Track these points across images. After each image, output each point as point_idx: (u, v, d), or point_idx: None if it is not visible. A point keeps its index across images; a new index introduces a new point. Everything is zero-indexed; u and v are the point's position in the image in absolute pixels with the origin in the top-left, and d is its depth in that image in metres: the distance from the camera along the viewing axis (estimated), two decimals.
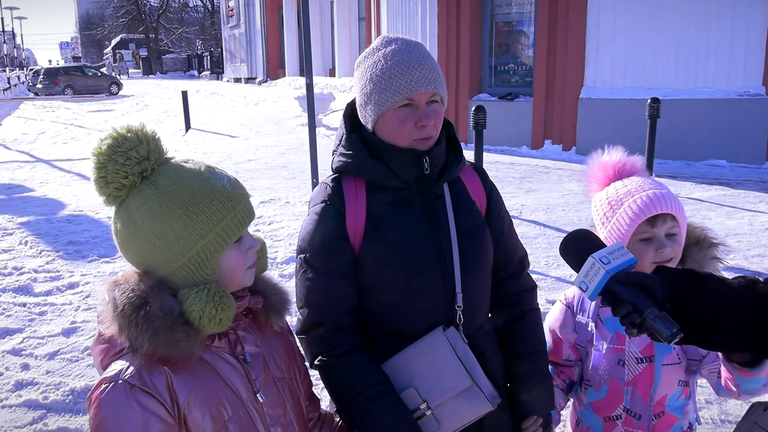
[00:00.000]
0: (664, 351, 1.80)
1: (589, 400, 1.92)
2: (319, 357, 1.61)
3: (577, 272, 1.26)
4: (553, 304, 2.05)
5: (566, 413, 2.14)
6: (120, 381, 1.22)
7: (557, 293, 4.65)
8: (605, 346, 1.86)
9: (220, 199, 1.31)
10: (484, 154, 7.35)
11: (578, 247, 1.30)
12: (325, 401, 1.75)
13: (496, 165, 10.07)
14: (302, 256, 1.65)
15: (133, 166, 1.27)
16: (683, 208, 1.77)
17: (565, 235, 1.37)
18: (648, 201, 1.73)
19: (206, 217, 1.29)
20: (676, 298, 1.18)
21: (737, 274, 1.24)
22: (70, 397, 3.64)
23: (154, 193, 1.28)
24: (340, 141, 1.71)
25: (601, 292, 1.22)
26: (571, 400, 2.04)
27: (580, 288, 1.24)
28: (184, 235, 1.28)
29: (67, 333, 4.53)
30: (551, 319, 2.01)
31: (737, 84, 9.76)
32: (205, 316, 1.26)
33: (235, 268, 1.35)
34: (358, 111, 1.70)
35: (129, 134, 1.29)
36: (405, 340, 1.63)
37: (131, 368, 1.23)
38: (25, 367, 4.04)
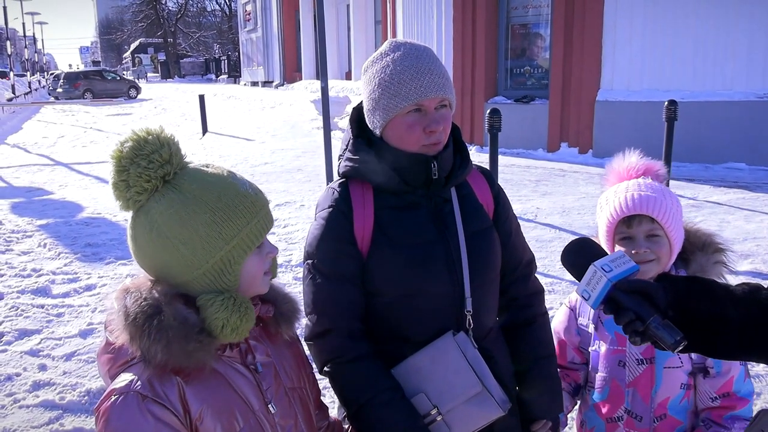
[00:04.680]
0: (665, 353, 1.78)
1: (593, 401, 1.93)
2: (329, 363, 1.61)
3: (579, 281, 1.25)
4: None
5: (572, 416, 2.13)
6: (131, 392, 1.18)
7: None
8: (604, 348, 1.87)
9: (246, 204, 1.30)
10: (500, 157, 7.31)
11: (579, 255, 1.29)
12: (333, 407, 1.75)
13: (512, 168, 10.03)
14: (310, 261, 1.65)
15: (155, 170, 1.25)
16: (674, 211, 1.75)
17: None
18: (624, 203, 1.75)
19: (232, 222, 1.27)
20: (679, 305, 1.17)
21: (753, 280, 1.23)
22: (86, 397, 3.68)
23: (178, 197, 1.26)
24: (347, 145, 1.71)
25: (604, 301, 1.21)
26: (578, 402, 2.05)
27: (582, 296, 1.24)
28: (209, 240, 1.26)
29: (84, 334, 4.58)
30: (556, 321, 2.04)
31: (756, 86, 9.63)
32: (229, 326, 1.25)
33: (255, 274, 1.34)
34: (365, 115, 1.69)
35: (150, 137, 1.27)
36: (413, 345, 1.62)
37: (142, 378, 1.20)
38: (43, 367, 4.09)
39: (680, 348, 1.14)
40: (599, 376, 1.89)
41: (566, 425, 1.99)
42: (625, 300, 1.18)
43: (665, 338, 1.14)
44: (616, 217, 1.76)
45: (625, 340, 1.81)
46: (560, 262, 1.35)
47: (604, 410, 1.89)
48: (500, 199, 1.78)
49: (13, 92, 30.11)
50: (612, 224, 1.77)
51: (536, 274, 1.86)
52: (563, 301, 2.04)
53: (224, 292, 1.28)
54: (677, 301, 1.17)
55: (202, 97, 16.25)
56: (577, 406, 2.07)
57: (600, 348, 1.89)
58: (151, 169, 1.25)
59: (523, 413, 1.76)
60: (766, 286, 1.20)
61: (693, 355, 1.80)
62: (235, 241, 1.28)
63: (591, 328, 1.92)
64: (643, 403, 1.81)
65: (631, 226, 1.75)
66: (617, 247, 1.78)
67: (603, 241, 1.82)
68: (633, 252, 1.73)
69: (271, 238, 1.42)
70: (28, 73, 47.18)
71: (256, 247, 1.32)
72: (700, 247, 1.83)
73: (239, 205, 1.29)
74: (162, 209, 1.26)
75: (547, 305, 1.89)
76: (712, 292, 1.18)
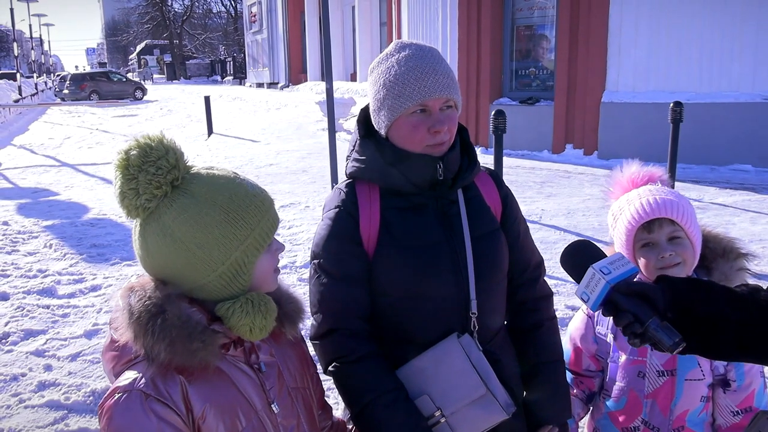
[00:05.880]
0: (687, 366, 1.76)
1: (608, 409, 1.90)
2: (334, 363, 1.61)
3: (578, 283, 1.25)
4: (572, 310, 2.04)
5: (584, 422, 2.12)
6: (135, 390, 1.19)
7: (577, 299, 4.53)
8: (623, 358, 1.84)
9: (256, 204, 1.31)
10: (505, 158, 7.30)
11: (578, 257, 1.29)
12: (338, 408, 1.75)
13: (517, 169, 10.02)
14: (316, 261, 1.65)
15: (164, 176, 1.25)
16: (690, 212, 1.74)
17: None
18: (641, 208, 1.73)
19: (245, 222, 1.28)
20: (678, 306, 1.16)
21: (758, 282, 1.23)
22: (91, 398, 3.69)
23: (190, 201, 1.26)
24: (354, 146, 1.72)
25: (603, 303, 1.21)
26: (591, 409, 2.02)
27: (582, 299, 1.24)
28: (224, 242, 1.27)
29: (89, 335, 4.59)
30: (573, 328, 2.00)
31: (763, 87, 9.59)
32: (256, 327, 1.29)
33: (267, 272, 1.35)
34: (371, 116, 1.69)
35: (154, 143, 1.27)
36: (417, 347, 1.62)
37: (146, 377, 1.21)
38: (48, 368, 4.10)
39: (679, 349, 1.14)
40: (617, 386, 1.86)
41: (577, 431, 1.97)
42: (623, 302, 1.18)
43: (664, 340, 1.13)
44: (636, 223, 1.73)
45: (645, 350, 1.78)
46: None
47: (620, 419, 1.86)
48: (508, 201, 1.78)
49: (20, 93, 30.22)
50: (631, 231, 1.74)
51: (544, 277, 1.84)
52: (570, 303, 2.03)
53: (239, 297, 1.30)
54: (676, 303, 1.17)
55: (207, 99, 16.28)
56: (589, 413, 2.04)
57: (619, 358, 1.86)
58: (160, 175, 1.25)
59: (529, 418, 1.74)
60: (765, 288, 1.19)
61: (714, 367, 1.77)
62: (248, 240, 1.29)
63: (610, 338, 1.88)
64: (662, 415, 1.78)
65: (651, 231, 1.73)
66: (639, 256, 1.75)
67: (623, 252, 1.77)
68: (660, 257, 1.70)
69: (275, 238, 1.43)
70: (35, 75, 47.24)
71: (267, 245, 1.33)
72: (721, 253, 1.79)
73: (250, 204, 1.30)
74: (175, 214, 1.26)
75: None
76: (711, 293, 1.18)
